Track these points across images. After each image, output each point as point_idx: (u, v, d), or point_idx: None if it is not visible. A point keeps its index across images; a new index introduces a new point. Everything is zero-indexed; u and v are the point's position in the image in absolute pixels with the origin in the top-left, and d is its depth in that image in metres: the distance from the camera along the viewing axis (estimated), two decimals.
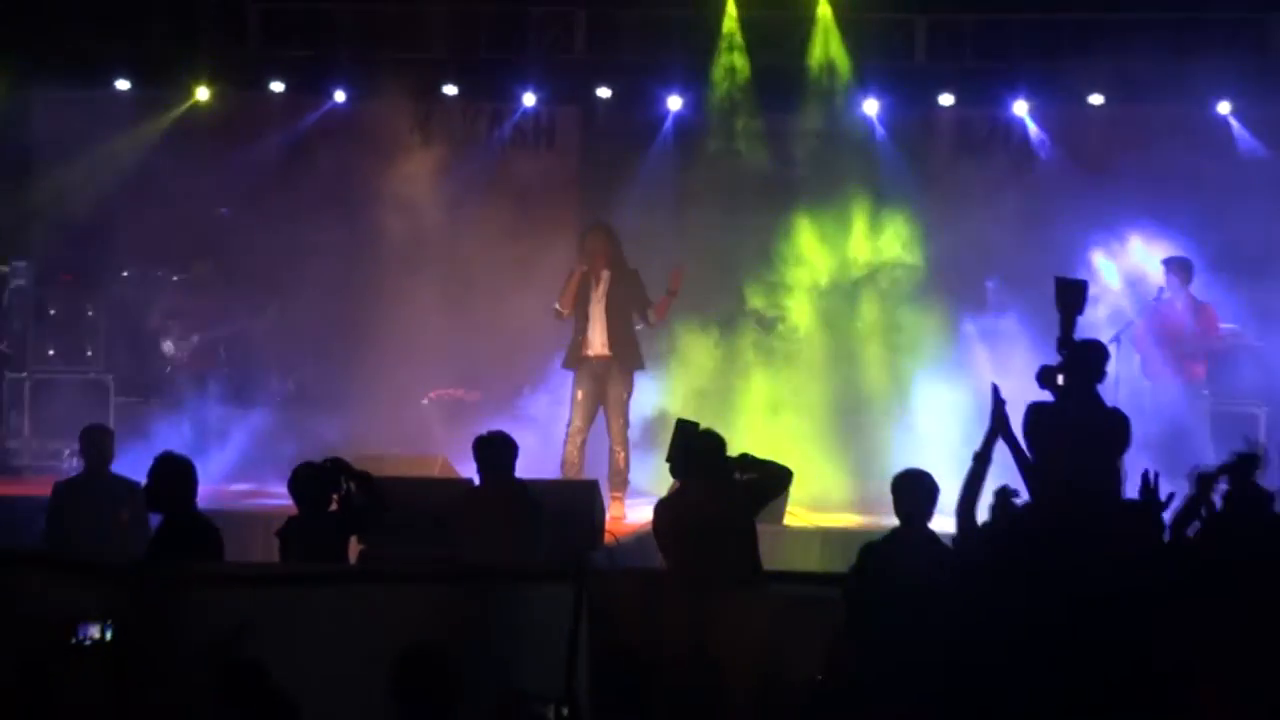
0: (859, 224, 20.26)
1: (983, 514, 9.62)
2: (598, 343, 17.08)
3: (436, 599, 10.22)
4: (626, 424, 17.29)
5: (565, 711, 9.02)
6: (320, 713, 7.83)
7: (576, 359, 17.23)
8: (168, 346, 18.98)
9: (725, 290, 20.18)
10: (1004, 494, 9.46)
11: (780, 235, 20.15)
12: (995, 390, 10.77)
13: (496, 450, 12.55)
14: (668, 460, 11.72)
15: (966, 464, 10.27)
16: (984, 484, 9.88)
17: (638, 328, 17.37)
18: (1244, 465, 9.85)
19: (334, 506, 11.70)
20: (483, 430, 13.13)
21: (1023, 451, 10.79)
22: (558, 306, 17.34)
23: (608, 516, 14.90)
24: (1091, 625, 7.77)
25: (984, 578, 8.91)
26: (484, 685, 8.46)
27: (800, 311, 19.91)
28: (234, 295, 20.04)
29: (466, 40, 20.81)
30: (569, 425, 17.14)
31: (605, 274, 17.27)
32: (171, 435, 15.85)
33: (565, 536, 12.39)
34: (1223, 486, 9.87)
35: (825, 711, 7.50)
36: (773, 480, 11.80)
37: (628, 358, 17.13)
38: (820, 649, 8.58)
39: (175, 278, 19.78)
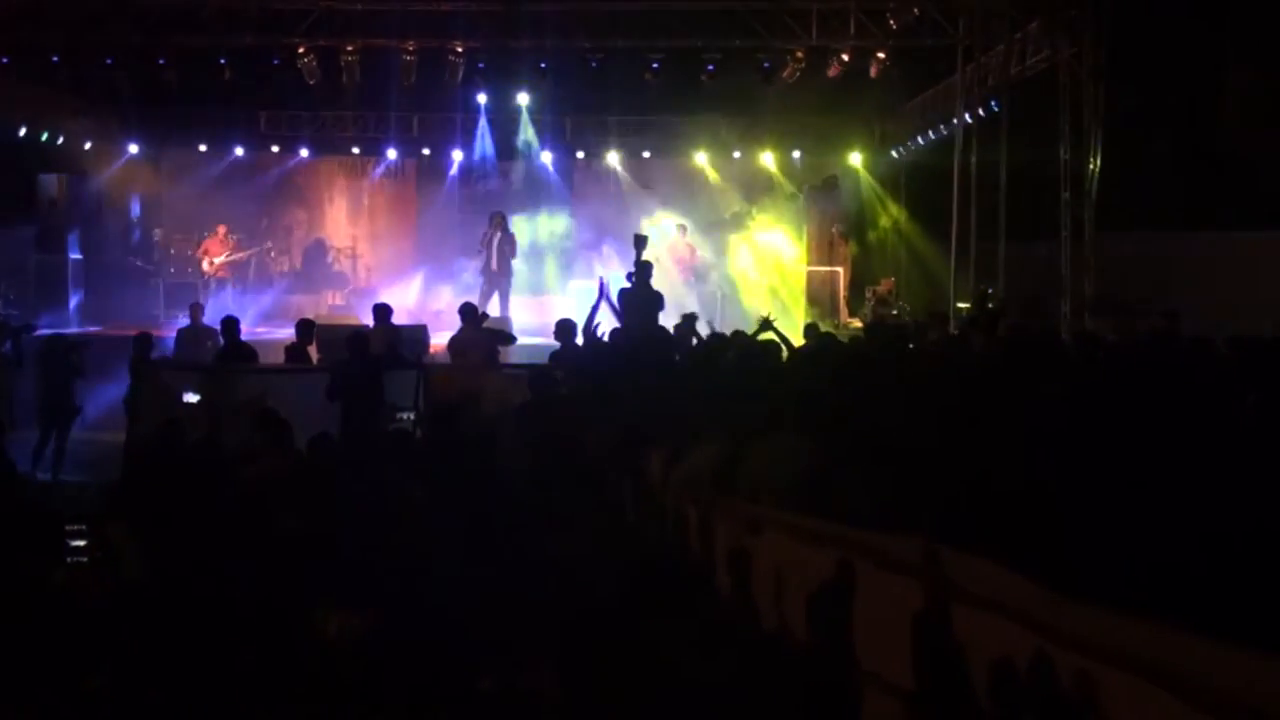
0: (543, 217, 20.29)
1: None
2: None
3: None
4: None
5: (413, 417, 9.06)
6: (300, 430, 7.64)
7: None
8: (204, 265, 19.08)
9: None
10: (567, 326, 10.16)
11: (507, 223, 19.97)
12: (601, 281, 11.21)
13: (382, 311, 12.24)
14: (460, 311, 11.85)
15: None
16: (596, 318, 10.22)
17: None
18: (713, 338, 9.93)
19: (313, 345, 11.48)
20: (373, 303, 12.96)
21: (613, 304, 10.98)
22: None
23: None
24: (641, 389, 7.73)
25: (590, 368, 9.17)
26: (381, 406, 8.51)
27: (518, 259, 19.44)
28: (245, 241, 19.79)
29: (362, 126, 20.71)
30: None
31: (498, 235, 17.77)
32: (225, 308, 15.33)
33: (413, 350, 12.19)
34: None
35: (533, 416, 7.49)
36: (504, 334, 12.10)
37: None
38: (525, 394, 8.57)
39: (205, 234, 19.56)
